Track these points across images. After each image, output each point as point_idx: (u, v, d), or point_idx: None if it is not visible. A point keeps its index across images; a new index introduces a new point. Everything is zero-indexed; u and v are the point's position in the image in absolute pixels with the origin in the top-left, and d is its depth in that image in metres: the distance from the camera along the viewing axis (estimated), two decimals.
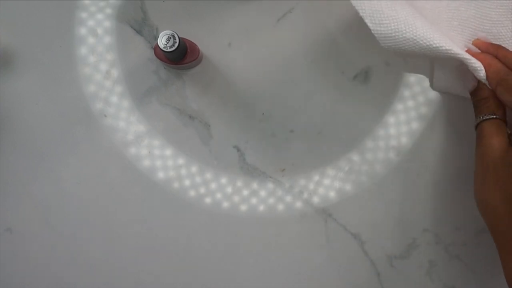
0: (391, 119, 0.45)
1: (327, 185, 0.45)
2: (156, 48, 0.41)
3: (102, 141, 0.45)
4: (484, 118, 0.37)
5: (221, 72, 0.45)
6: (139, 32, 0.45)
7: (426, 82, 0.44)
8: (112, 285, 0.45)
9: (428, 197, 0.45)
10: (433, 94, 0.45)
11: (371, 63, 0.45)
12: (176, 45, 0.39)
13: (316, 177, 0.45)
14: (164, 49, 0.39)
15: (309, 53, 0.45)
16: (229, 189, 0.45)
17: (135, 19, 0.45)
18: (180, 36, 0.40)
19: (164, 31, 0.39)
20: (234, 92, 0.45)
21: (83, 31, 0.45)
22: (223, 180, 0.45)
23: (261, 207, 0.45)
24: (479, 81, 0.38)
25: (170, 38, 0.39)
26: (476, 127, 0.38)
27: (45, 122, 0.45)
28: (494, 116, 0.37)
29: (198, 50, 0.43)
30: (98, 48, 0.45)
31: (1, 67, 0.45)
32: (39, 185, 0.45)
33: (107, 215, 0.45)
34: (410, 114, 0.45)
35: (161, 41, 0.39)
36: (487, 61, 0.37)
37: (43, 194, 0.45)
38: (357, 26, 0.45)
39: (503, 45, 0.40)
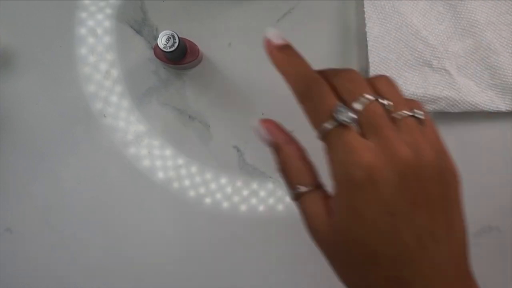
0: None
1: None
2: (156, 48, 0.41)
3: (102, 141, 0.45)
4: (298, 189, 0.28)
5: (221, 72, 0.45)
6: (139, 32, 0.45)
7: None
8: (112, 285, 0.45)
9: None
10: None
11: None
12: (176, 45, 0.39)
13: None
14: (164, 49, 0.39)
15: (309, 53, 0.45)
16: (229, 189, 0.45)
17: (135, 19, 0.45)
18: (180, 36, 0.40)
19: (164, 31, 0.39)
20: (234, 92, 0.45)
21: (83, 31, 0.45)
22: (223, 180, 0.45)
23: (261, 207, 0.45)
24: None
25: (170, 38, 0.39)
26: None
27: (45, 122, 0.45)
28: (302, 188, 0.28)
29: (198, 50, 0.43)
30: (98, 48, 0.45)
31: (1, 67, 0.45)
32: (39, 185, 0.45)
33: (107, 215, 0.45)
34: None
35: (161, 41, 0.39)
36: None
37: (43, 194, 0.45)
38: (357, 26, 0.45)
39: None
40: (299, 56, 0.30)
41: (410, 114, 0.27)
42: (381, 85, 0.28)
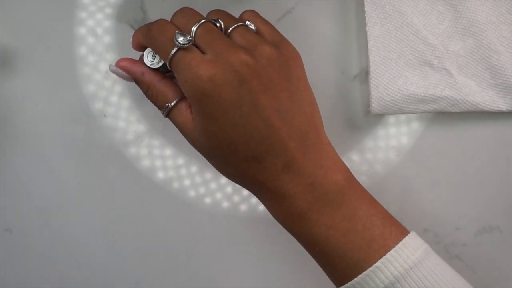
0: (391, 119, 0.45)
1: None
2: (141, 60, 0.41)
3: (101, 141, 0.45)
4: (168, 107, 0.34)
5: None
6: None
7: None
8: (112, 285, 0.45)
9: (428, 197, 0.44)
10: None
11: None
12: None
13: None
14: (152, 66, 0.37)
15: (309, 53, 0.45)
16: (229, 189, 0.45)
17: (135, 19, 0.45)
18: None
19: (148, 48, 0.37)
20: None
21: (82, 30, 0.45)
22: (223, 180, 0.45)
23: (261, 207, 0.45)
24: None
25: (156, 54, 0.37)
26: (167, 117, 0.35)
27: (45, 122, 0.45)
28: (170, 106, 0.34)
29: None
30: (97, 48, 0.45)
31: (1, 67, 0.45)
32: (39, 185, 0.45)
33: (107, 215, 0.45)
34: (410, 114, 0.45)
35: (147, 59, 0.37)
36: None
37: (43, 194, 0.45)
38: (357, 26, 0.45)
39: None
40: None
41: (240, 24, 0.34)
42: (210, 13, 0.35)
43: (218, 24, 0.34)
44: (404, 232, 0.33)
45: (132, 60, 0.35)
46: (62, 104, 0.45)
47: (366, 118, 0.45)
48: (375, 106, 0.42)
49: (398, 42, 0.43)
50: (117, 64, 0.35)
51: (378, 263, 0.31)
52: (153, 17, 0.45)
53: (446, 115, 0.44)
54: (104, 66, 0.45)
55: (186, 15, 0.33)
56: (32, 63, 0.45)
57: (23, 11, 0.45)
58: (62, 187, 0.45)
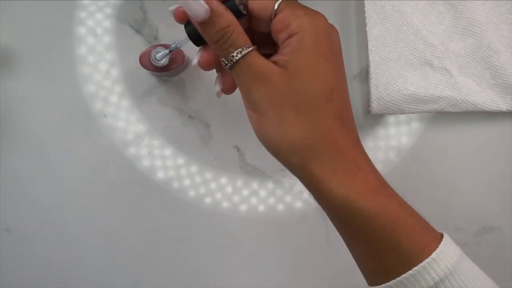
0: (391, 119, 0.45)
1: None
2: (142, 58, 0.41)
3: (101, 141, 0.45)
4: (238, 56, 0.30)
5: None
6: (139, 32, 0.45)
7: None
8: (112, 285, 0.45)
9: (428, 197, 0.44)
10: None
11: None
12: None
13: None
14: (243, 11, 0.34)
15: None
16: (229, 189, 0.45)
17: (135, 19, 0.45)
18: (164, 43, 0.41)
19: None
20: (234, 91, 0.45)
21: (82, 30, 0.45)
22: (223, 180, 0.45)
23: (261, 207, 0.45)
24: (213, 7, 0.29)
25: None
26: (232, 68, 0.30)
27: (45, 122, 0.45)
28: (250, 48, 0.30)
29: (183, 56, 0.42)
30: (97, 48, 0.45)
31: (1, 67, 0.45)
32: (39, 185, 0.45)
33: (107, 215, 0.45)
34: (410, 114, 0.45)
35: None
36: None
37: (43, 194, 0.45)
38: (358, 26, 0.45)
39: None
40: None
41: None
42: None
43: None
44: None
45: None
46: (62, 104, 0.45)
47: (366, 118, 0.45)
48: (375, 106, 0.42)
49: (398, 42, 0.43)
50: None
51: (440, 247, 0.30)
52: (153, 17, 0.45)
53: (446, 115, 0.44)
54: (104, 66, 0.45)
55: None
56: (32, 63, 0.45)
57: (23, 11, 0.45)
58: (62, 187, 0.45)
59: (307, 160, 0.30)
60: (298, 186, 0.45)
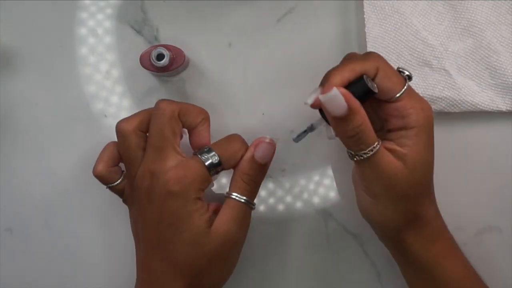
0: None
1: (327, 185, 0.45)
2: (142, 58, 0.41)
3: (102, 141, 0.44)
4: (368, 154, 0.33)
5: (221, 72, 0.45)
6: (139, 32, 0.45)
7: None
8: (112, 285, 0.45)
9: None
10: None
11: None
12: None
13: (316, 177, 0.45)
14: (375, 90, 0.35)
15: (309, 53, 0.45)
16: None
17: (135, 19, 0.45)
18: (165, 44, 0.42)
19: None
20: (234, 92, 0.45)
21: (83, 31, 0.45)
22: (223, 180, 0.45)
23: (261, 207, 0.45)
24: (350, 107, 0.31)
25: (368, 79, 0.35)
26: (358, 162, 0.33)
27: (45, 122, 0.45)
28: (378, 146, 0.33)
29: (184, 56, 0.42)
30: (98, 48, 0.45)
31: (1, 67, 0.45)
32: (39, 185, 0.45)
33: (107, 215, 0.45)
34: None
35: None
36: None
37: (43, 194, 0.45)
38: (357, 26, 0.45)
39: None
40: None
41: None
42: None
43: None
44: None
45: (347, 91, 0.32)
46: (62, 104, 0.45)
47: None
48: None
49: (397, 42, 0.43)
50: (341, 90, 0.31)
51: None
52: (153, 17, 0.45)
53: (446, 115, 0.44)
54: (104, 66, 0.45)
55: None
56: (32, 63, 0.45)
57: (23, 11, 0.45)
58: (62, 187, 0.45)
59: (402, 233, 0.36)
60: (298, 186, 0.45)
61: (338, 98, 0.30)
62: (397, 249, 0.38)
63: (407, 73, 0.34)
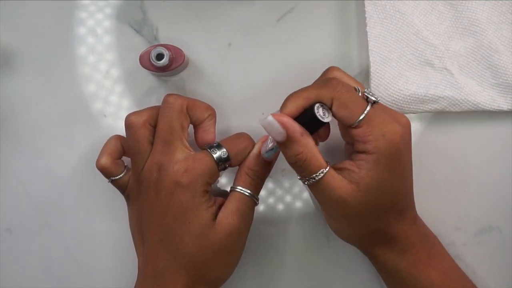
0: None
1: None
2: (142, 58, 0.41)
3: (102, 141, 0.44)
4: (311, 181, 0.34)
5: (221, 72, 0.45)
6: (139, 32, 0.45)
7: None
8: (112, 285, 0.45)
9: (428, 197, 0.44)
10: None
11: None
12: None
13: None
14: (323, 120, 0.34)
15: (309, 53, 0.45)
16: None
17: (135, 19, 0.45)
18: (164, 43, 0.41)
19: (317, 105, 0.35)
20: (234, 91, 0.45)
21: (82, 31, 0.45)
22: (223, 180, 0.45)
23: (261, 207, 0.45)
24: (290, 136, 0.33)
25: (319, 107, 0.34)
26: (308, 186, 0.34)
27: (45, 122, 0.45)
28: (322, 174, 0.33)
29: (183, 56, 0.42)
30: (97, 48, 0.45)
31: (1, 67, 0.45)
32: (39, 185, 0.45)
33: (107, 215, 0.45)
34: (410, 114, 0.45)
35: (319, 113, 0.34)
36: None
37: (43, 194, 0.45)
38: (358, 26, 0.45)
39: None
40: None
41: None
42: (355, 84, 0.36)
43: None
44: None
45: (290, 117, 0.33)
46: (62, 104, 0.45)
47: None
48: None
49: (399, 42, 0.43)
50: (277, 117, 0.32)
51: None
52: (153, 17, 0.45)
53: (446, 115, 0.44)
54: (104, 66, 0.45)
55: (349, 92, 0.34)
56: (32, 63, 0.45)
57: (23, 11, 0.45)
58: (62, 187, 0.45)
59: (369, 245, 0.37)
60: (298, 186, 0.45)
61: (274, 125, 0.32)
62: (370, 258, 0.39)
63: (373, 98, 0.33)
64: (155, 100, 0.45)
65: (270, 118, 0.32)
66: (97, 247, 0.45)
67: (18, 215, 0.45)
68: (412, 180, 0.36)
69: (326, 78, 0.35)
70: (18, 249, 0.45)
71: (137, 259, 0.40)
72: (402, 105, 0.42)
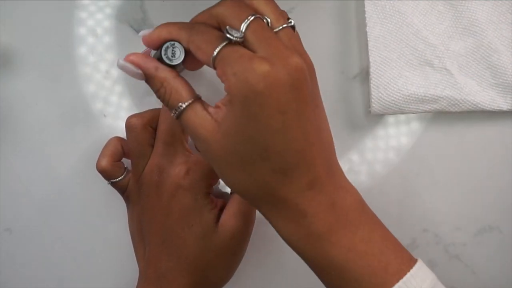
0: (391, 119, 0.45)
1: None
2: None
3: (102, 141, 0.44)
4: (174, 114, 0.31)
5: None
6: (138, 31, 0.45)
7: None
8: (112, 285, 0.45)
9: (428, 197, 0.44)
10: None
11: None
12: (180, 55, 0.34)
13: None
14: (170, 62, 0.33)
15: (309, 53, 0.45)
16: (228, 190, 0.45)
17: (135, 19, 0.45)
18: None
19: (167, 44, 0.33)
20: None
21: (82, 31, 0.45)
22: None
23: None
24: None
25: (176, 50, 0.33)
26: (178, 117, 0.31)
27: (45, 122, 0.45)
28: (183, 107, 0.31)
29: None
30: (97, 48, 0.45)
31: (1, 67, 0.45)
32: (39, 185, 0.45)
33: (107, 215, 0.45)
34: (410, 114, 0.45)
35: (167, 54, 0.33)
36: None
37: (43, 194, 0.45)
38: (358, 26, 0.45)
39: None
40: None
41: (286, 25, 0.31)
42: (258, 5, 0.31)
43: (267, 20, 0.31)
44: (412, 259, 0.32)
45: (143, 55, 0.32)
46: (62, 104, 0.45)
47: (366, 118, 0.45)
48: (375, 106, 0.42)
49: (399, 42, 0.43)
50: (126, 59, 0.32)
51: (395, 287, 0.30)
52: (153, 17, 0.45)
53: (446, 115, 0.44)
54: (104, 66, 0.45)
55: (233, 8, 0.30)
56: (32, 63, 0.45)
57: (23, 11, 0.45)
58: (62, 187, 0.45)
59: (256, 205, 0.32)
60: None
61: (129, 67, 0.32)
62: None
63: (233, 36, 0.28)
64: (155, 101, 0.44)
65: (121, 61, 0.32)
66: (97, 247, 0.45)
67: (18, 215, 0.45)
68: (319, 139, 0.31)
69: (192, 23, 0.32)
70: (18, 249, 0.45)
71: (134, 259, 0.40)
72: (402, 105, 0.42)
